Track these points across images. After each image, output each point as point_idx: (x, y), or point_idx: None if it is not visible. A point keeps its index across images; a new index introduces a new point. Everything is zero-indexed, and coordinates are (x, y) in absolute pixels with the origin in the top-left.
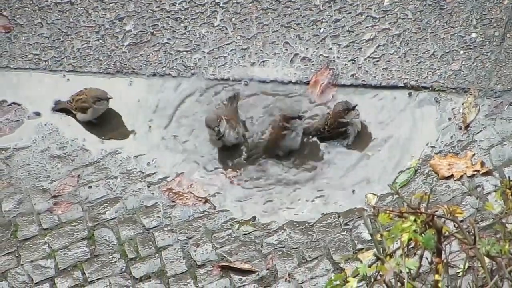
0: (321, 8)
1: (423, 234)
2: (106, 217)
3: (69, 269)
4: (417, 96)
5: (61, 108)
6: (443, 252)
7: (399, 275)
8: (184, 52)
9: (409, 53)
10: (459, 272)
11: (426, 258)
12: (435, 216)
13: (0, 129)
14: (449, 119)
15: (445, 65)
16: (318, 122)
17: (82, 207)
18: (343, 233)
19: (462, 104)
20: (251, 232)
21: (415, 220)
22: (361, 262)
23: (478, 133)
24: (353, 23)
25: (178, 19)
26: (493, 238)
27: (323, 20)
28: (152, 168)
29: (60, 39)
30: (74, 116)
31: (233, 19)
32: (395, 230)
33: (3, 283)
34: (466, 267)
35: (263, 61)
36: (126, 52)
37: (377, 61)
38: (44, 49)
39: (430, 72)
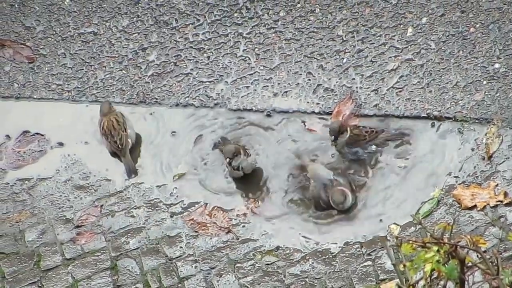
0: (344, 39)
1: (446, 265)
2: (129, 247)
3: None
4: (440, 127)
5: None
6: (466, 282)
7: None
8: (207, 83)
9: (432, 83)
10: None
11: None
12: (458, 247)
13: (23, 159)
14: (472, 149)
15: (468, 96)
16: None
17: (105, 237)
18: (366, 263)
19: (485, 134)
20: (274, 262)
21: (438, 251)
22: None
23: (501, 163)
24: (376, 53)
25: (201, 49)
26: None
27: (346, 51)
28: (174, 198)
29: (83, 69)
30: None
31: (256, 49)
32: (418, 260)
33: None
34: None
35: (286, 92)
36: (149, 82)
37: (400, 91)
38: (67, 79)
39: (453, 103)
